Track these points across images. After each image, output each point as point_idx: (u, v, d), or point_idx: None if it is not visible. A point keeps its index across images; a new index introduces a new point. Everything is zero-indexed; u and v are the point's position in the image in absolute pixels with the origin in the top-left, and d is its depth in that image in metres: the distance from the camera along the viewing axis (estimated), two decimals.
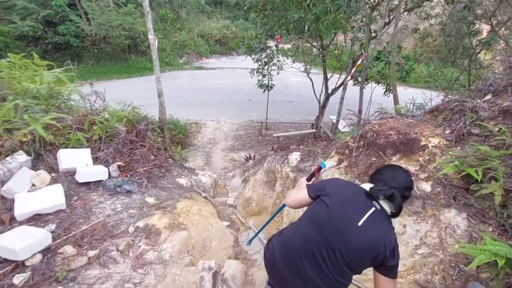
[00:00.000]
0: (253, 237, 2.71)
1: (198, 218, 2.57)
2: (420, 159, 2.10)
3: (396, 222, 1.55)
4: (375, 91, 8.44)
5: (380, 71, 8.89)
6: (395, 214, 1.23)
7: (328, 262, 1.16)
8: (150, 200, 2.54)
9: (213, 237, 2.40)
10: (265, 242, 3.13)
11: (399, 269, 1.72)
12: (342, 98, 6.30)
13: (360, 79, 8.31)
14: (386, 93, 8.86)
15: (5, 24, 12.33)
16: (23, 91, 3.03)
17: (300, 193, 1.38)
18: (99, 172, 2.58)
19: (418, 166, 2.09)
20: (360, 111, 5.38)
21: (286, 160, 3.22)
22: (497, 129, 1.90)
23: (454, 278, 1.50)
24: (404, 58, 9.61)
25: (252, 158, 7.09)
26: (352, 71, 5.70)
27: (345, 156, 2.49)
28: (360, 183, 2.22)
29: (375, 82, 8.82)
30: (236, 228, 3.81)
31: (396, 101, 5.93)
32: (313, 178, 1.74)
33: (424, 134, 2.21)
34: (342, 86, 6.25)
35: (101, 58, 14.04)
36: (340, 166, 2.46)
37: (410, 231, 1.81)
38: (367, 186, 1.29)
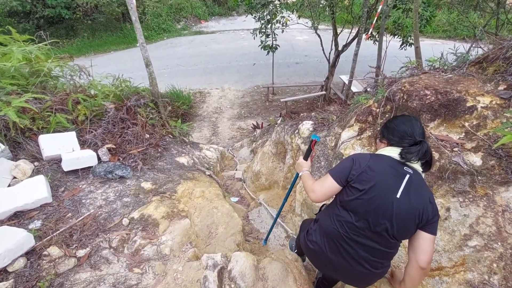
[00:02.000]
0: (268, 235, 2.49)
1: (202, 202, 2.30)
2: (466, 124, 1.68)
3: (438, 205, 1.40)
4: (389, 45, 7.60)
5: (396, 21, 7.94)
6: (429, 168, 1.21)
7: (376, 240, 1.20)
8: (147, 185, 2.28)
9: (219, 223, 2.15)
10: (282, 222, 2.91)
11: (443, 265, 1.43)
12: (356, 55, 5.63)
13: (375, 32, 7.46)
14: (402, 46, 7.99)
15: None
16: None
17: (325, 185, 1.28)
18: (87, 158, 2.30)
19: (464, 134, 1.68)
20: (378, 67, 4.78)
21: (297, 131, 2.84)
22: None
23: None
24: (424, 4, 8.51)
25: (260, 126, 6.73)
26: (374, 20, 4.95)
27: (367, 124, 2.08)
28: None
29: (390, 34, 7.92)
30: (246, 204, 3.59)
31: (418, 53, 5.24)
32: (310, 155, 1.66)
33: (470, 93, 1.75)
34: (356, 41, 5.54)
35: (96, 29, 13.26)
36: (362, 136, 2.07)
37: (455, 216, 1.47)
38: (391, 151, 1.22)
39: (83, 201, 2.06)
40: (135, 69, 9.38)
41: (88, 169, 2.30)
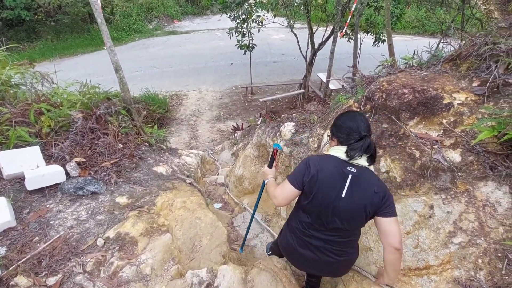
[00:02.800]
0: (244, 242, 2.45)
1: (183, 213, 2.19)
2: (444, 121, 1.71)
3: (420, 203, 1.57)
4: (363, 42, 7.78)
5: (368, 18, 8.15)
6: (373, 161, 1.31)
7: (332, 234, 1.36)
8: (122, 199, 2.13)
9: (203, 234, 2.05)
10: (262, 224, 2.86)
11: (430, 264, 1.44)
12: (332, 53, 5.70)
13: (348, 30, 7.61)
14: (376, 43, 8.23)
15: None
16: None
17: (285, 190, 1.39)
18: (54, 174, 2.10)
19: (442, 131, 1.70)
20: (355, 65, 4.86)
21: (279, 133, 2.79)
22: None
23: (503, 272, 1.21)
24: (394, 1, 8.81)
25: (240, 128, 6.65)
26: (348, 19, 5.02)
27: None
28: None
29: (364, 32, 8.12)
30: (230, 209, 3.51)
31: (391, 51, 5.40)
32: (274, 163, 1.73)
33: (446, 90, 1.79)
34: (332, 39, 5.61)
35: (60, 31, 12.46)
36: None
37: (439, 213, 1.48)
38: (338, 151, 1.32)
39: (51, 222, 1.88)
40: (105, 72, 8.94)
41: (55, 186, 2.11)
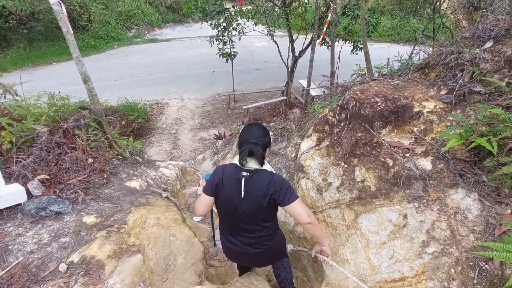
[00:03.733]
0: (214, 237, 2.36)
1: (157, 231, 2.09)
2: (415, 129, 1.73)
3: (395, 212, 1.59)
4: (342, 50, 7.97)
5: (346, 27, 8.39)
6: (262, 162, 1.51)
7: (245, 230, 1.55)
8: (90, 219, 2.00)
9: (178, 252, 1.95)
10: None
11: (405, 275, 1.42)
12: (311, 61, 5.79)
13: (327, 38, 7.77)
14: (354, 51, 8.46)
15: None
16: None
17: (201, 200, 1.58)
18: (13, 194, 1.95)
19: (413, 139, 1.72)
20: (332, 73, 4.93)
21: None
22: (504, 83, 1.54)
23: (475, 281, 1.21)
24: (370, 11, 9.13)
25: (223, 137, 6.57)
26: (325, 28, 5.11)
27: (325, 134, 2.06)
28: (346, 166, 1.84)
29: (342, 40, 8.33)
30: (210, 222, 3.41)
31: (367, 59, 5.54)
32: None
33: (415, 98, 1.82)
34: (311, 47, 5.69)
35: (33, 39, 11.97)
36: (321, 146, 2.05)
37: (413, 222, 1.48)
38: (236, 159, 1.54)
39: (9, 247, 1.73)
40: (81, 81, 8.64)
41: (15, 207, 1.96)
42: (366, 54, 5.28)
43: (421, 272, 1.33)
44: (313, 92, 7.44)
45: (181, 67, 10.97)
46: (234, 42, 7.66)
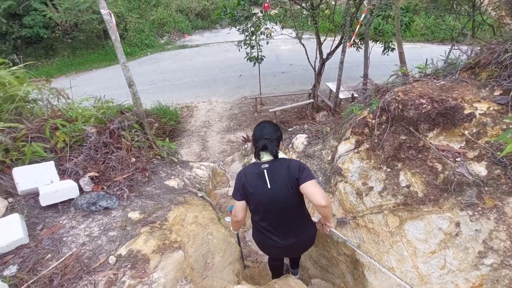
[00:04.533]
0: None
1: (195, 229, 2.15)
2: (466, 132, 1.63)
3: (445, 220, 1.53)
4: (372, 51, 7.73)
5: (376, 27, 8.13)
6: (276, 154, 1.62)
7: (280, 220, 1.65)
8: (134, 215, 2.11)
9: (215, 251, 2.00)
10: None
11: (460, 287, 1.34)
12: (341, 63, 5.67)
13: (356, 39, 7.58)
14: (385, 51, 8.17)
15: None
16: None
17: (236, 207, 1.70)
18: (68, 190, 2.11)
19: (464, 142, 1.62)
20: (366, 75, 4.80)
21: (291, 145, 2.75)
22: None
23: None
24: (403, 10, 8.77)
25: (251, 139, 6.62)
26: (356, 29, 5.01)
27: (364, 137, 2.01)
28: (389, 170, 1.78)
29: (372, 41, 8.08)
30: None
31: (402, 59, 5.33)
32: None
33: (466, 99, 1.72)
34: (341, 49, 5.59)
35: (76, 48, 12.97)
36: (360, 149, 2.00)
37: (467, 231, 1.39)
38: (253, 158, 1.68)
39: (64, 239, 1.87)
40: (118, 86, 9.18)
41: (69, 201, 2.12)
42: (401, 54, 5.08)
43: (479, 284, 1.25)
44: (341, 95, 7.28)
45: (210, 71, 11.28)
46: (262, 46, 7.74)
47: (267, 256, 2.70)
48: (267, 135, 1.63)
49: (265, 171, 1.58)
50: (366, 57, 5.60)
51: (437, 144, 1.69)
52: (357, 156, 1.99)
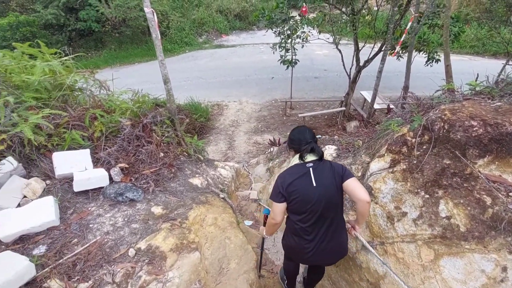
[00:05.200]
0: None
1: (214, 231, 2.14)
2: None
3: (490, 262, 1.37)
4: (414, 61, 7.24)
5: (421, 36, 7.63)
6: (320, 155, 1.68)
7: (326, 220, 1.66)
8: (157, 210, 2.15)
9: (232, 256, 1.97)
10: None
11: None
12: (380, 72, 5.39)
13: (397, 48, 7.17)
14: (428, 62, 7.63)
15: (30, 14, 12.49)
16: (24, 84, 2.69)
17: (275, 210, 1.69)
18: (99, 178, 2.21)
19: None
20: (407, 87, 4.52)
21: None
22: None
23: None
24: (453, 19, 8.14)
25: (277, 143, 6.56)
26: (402, 38, 4.73)
27: (402, 156, 1.86)
28: (428, 196, 1.62)
29: (416, 50, 7.59)
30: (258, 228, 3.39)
31: (448, 72, 4.94)
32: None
33: None
34: (381, 57, 5.31)
35: (122, 42, 13.86)
36: (395, 169, 1.85)
37: None
38: (295, 159, 1.73)
39: (90, 225, 1.96)
40: (157, 80, 9.51)
41: (99, 189, 2.22)
42: (448, 67, 4.73)
43: None
44: (376, 105, 6.94)
45: (243, 71, 11.39)
46: (297, 49, 7.63)
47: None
48: (310, 138, 1.70)
49: (310, 169, 1.63)
50: (409, 68, 5.27)
51: (488, 173, 1.50)
52: (391, 176, 1.84)
